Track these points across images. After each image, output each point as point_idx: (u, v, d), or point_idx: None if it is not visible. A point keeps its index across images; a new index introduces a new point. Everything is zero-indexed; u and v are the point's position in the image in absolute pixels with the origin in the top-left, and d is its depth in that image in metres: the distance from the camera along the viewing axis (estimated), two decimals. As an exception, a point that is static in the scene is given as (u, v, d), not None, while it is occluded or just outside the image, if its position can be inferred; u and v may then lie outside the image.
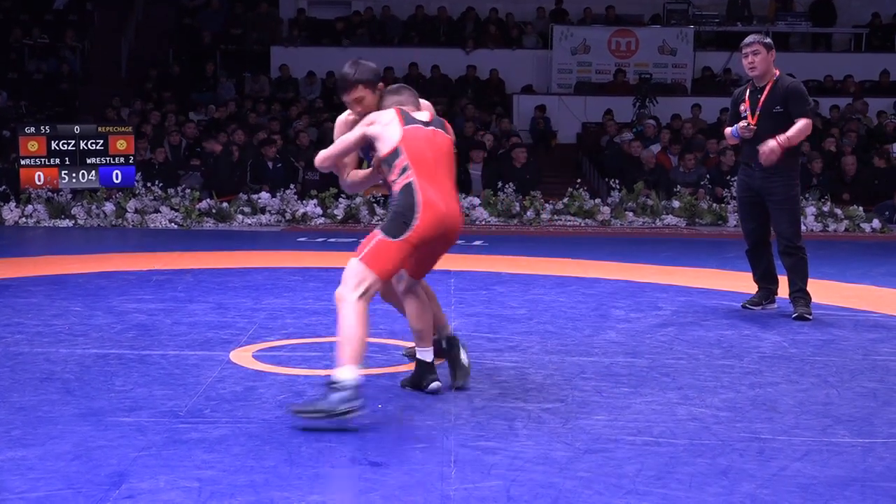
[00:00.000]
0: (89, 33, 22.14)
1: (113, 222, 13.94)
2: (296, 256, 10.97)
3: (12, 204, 14.20)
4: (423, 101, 5.57)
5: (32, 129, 14.69)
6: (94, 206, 14.10)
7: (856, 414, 5.18)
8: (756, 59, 7.92)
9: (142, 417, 4.88)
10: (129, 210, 14.04)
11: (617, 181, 15.24)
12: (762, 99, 7.90)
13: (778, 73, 8.00)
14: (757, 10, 22.62)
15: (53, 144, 14.52)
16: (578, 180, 15.58)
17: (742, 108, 8.04)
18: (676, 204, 14.80)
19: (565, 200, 14.86)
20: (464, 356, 5.58)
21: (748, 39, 8.04)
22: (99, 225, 13.85)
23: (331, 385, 4.75)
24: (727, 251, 11.32)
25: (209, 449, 4.42)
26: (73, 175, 14.58)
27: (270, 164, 16.06)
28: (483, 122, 19.00)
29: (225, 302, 8.02)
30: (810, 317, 7.73)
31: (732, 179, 14.94)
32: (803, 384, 5.76)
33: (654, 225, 14.57)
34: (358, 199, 14.42)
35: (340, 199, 14.51)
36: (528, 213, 14.57)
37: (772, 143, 7.70)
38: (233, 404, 5.15)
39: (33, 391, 5.33)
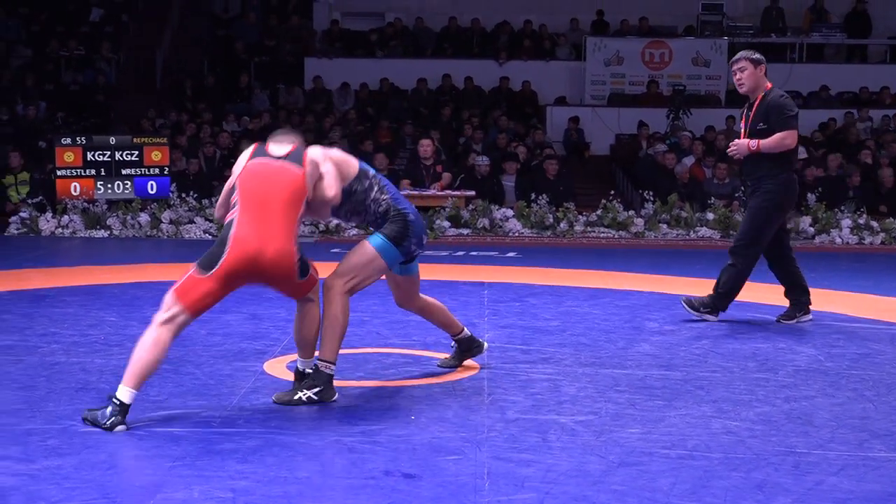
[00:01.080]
0: (125, 45, 22.29)
1: (148, 233, 14.02)
2: (329, 267, 10.95)
3: (49, 214, 14.29)
4: (325, 151, 5.49)
5: (69, 140, 14.79)
6: (129, 217, 14.17)
7: (893, 428, 5.14)
8: (743, 75, 7.99)
9: (176, 428, 4.90)
10: (163, 221, 14.11)
11: (651, 193, 15.19)
12: (751, 116, 7.98)
13: (769, 87, 8.02)
14: (791, 21, 22.53)
15: (89, 155, 14.61)
16: (612, 192, 15.54)
17: (741, 124, 8.13)
18: (710, 216, 14.73)
19: (599, 212, 14.81)
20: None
21: (737, 56, 8.11)
22: (134, 235, 13.92)
23: (111, 398, 4.90)
24: (761, 263, 11.23)
25: (243, 459, 4.43)
26: (109, 186, 14.66)
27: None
28: (517, 134, 19.00)
29: (259, 313, 8.04)
30: (692, 312, 8.00)
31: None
32: (839, 398, 5.72)
33: (687, 237, 14.50)
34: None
35: (374, 211, 14.50)
36: (562, 225, 14.53)
37: (742, 143, 7.85)
38: (266, 415, 5.17)
39: (69, 401, 5.37)
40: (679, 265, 11.64)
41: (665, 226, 14.68)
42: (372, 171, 5.65)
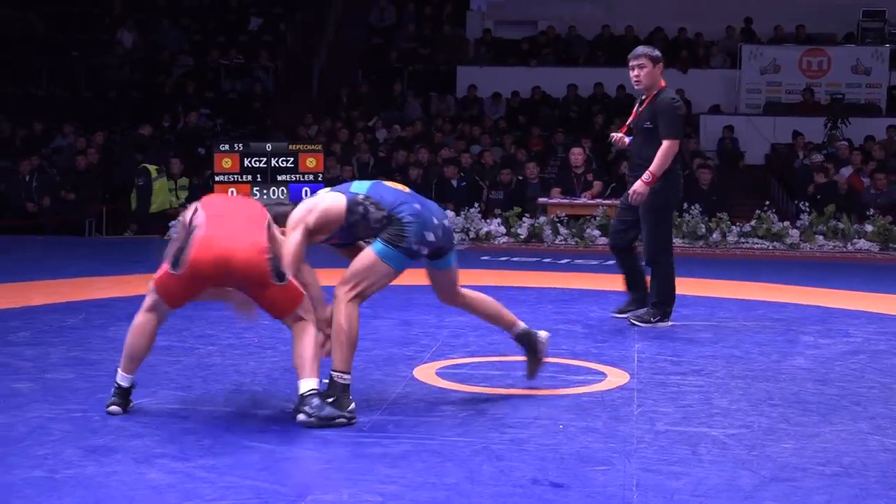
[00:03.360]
0: (282, 53, 22.72)
1: (301, 238, 14.22)
2: (479, 275, 11.01)
3: (207, 219, 14.61)
4: (300, 215, 5.41)
5: (226, 147, 15.10)
6: (284, 222, 14.41)
7: None
8: (642, 72, 8.00)
9: (326, 431, 4.95)
10: (317, 226, 14.30)
11: (806, 203, 14.87)
12: (640, 112, 8.03)
13: (662, 86, 8.04)
14: (958, 27, 21.86)
15: (246, 162, 14.88)
16: (767, 202, 15.25)
17: (631, 119, 8.21)
18: (869, 228, 14.35)
19: (753, 223, 14.56)
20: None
21: (637, 52, 8.10)
22: (288, 240, 14.13)
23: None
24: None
25: (392, 464, 4.46)
26: (265, 192, 14.92)
27: (455, 183, 16.19)
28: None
29: (409, 318, 8.09)
30: (639, 324, 7.93)
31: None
32: None
33: (845, 249, 14.16)
34: (542, 219, 14.41)
35: (524, 219, 14.54)
36: (714, 235, 14.32)
37: (637, 186, 7.85)
38: (416, 420, 5.19)
39: (224, 402, 5.48)
40: (836, 278, 11.38)
41: (821, 237, 14.36)
42: (362, 195, 5.37)
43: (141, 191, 16.02)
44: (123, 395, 5.21)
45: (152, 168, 16.19)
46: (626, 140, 8.29)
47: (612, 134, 8.56)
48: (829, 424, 5.26)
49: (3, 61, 22.18)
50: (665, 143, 7.79)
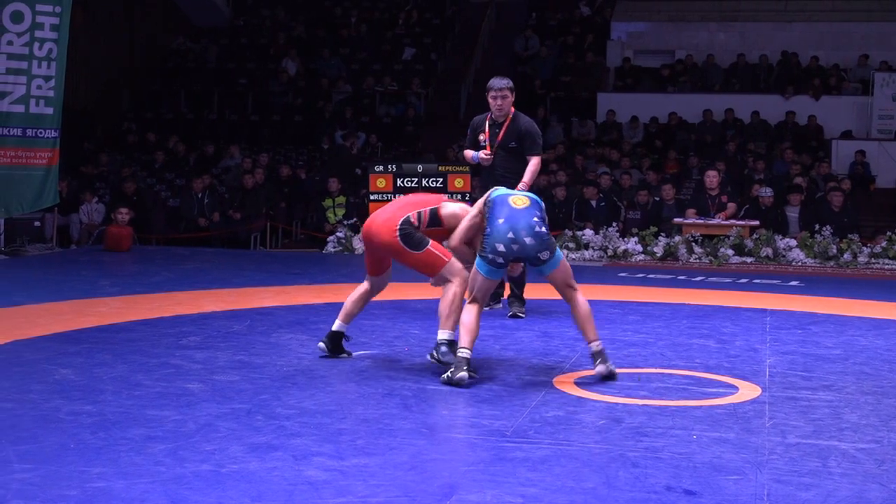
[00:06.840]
0: (433, 80, 22.90)
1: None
2: (616, 290, 10.93)
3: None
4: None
5: (381, 168, 15.26)
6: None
7: None
8: (505, 102, 8.66)
9: (471, 435, 4.97)
10: (463, 243, 14.36)
11: (937, 226, 14.40)
12: (501, 134, 8.69)
13: (514, 110, 8.75)
14: None
15: (398, 181, 15.01)
16: (898, 224, 14.83)
17: (481, 137, 8.83)
18: None
19: (884, 244, 14.16)
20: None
21: (499, 84, 8.59)
22: (436, 255, 14.22)
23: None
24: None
25: (532, 468, 4.45)
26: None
27: (594, 203, 16.10)
28: (803, 166, 18.40)
29: (549, 331, 8.07)
30: (523, 315, 8.71)
31: None
32: None
33: (975, 270, 13.67)
34: (677, 238, 14.24)
35: (660, 238, 14.38)
36: (845, 256, 13.96)
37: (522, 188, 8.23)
38: (555, 427, 5.17)
39: (376, 405, 5.53)
40: (966, 298, 10.97)
41: (952, 259, 13.88)
42: (488, 212, 6.24)
43: None
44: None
45: None
46: (490, 158, 8.80)
47: (481, 154, 8.86)
48: (960, 442, 5.08)
49: (180, 88, 22.85)
50: (534, 160, 8.64)
